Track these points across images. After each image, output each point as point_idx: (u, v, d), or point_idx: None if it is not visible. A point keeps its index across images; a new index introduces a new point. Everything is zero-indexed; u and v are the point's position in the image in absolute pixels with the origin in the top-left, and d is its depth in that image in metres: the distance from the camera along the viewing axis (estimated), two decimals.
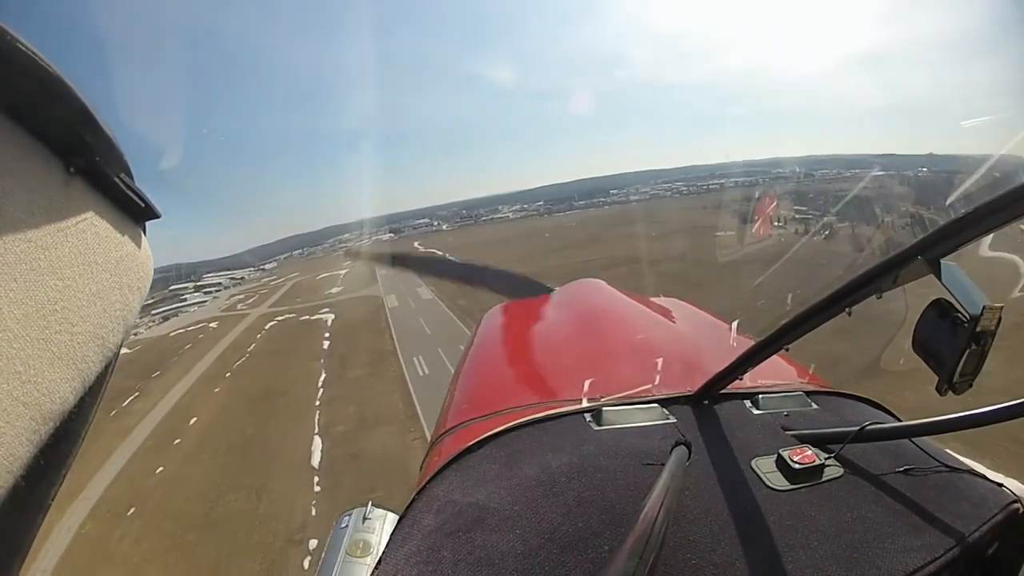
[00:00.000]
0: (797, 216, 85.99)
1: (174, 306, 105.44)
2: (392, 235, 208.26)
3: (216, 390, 45.60)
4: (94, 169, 1.08)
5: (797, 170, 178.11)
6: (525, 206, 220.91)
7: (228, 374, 50.08)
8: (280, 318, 78.19)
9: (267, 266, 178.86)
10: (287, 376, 45.06)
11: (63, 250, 0.97)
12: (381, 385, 38.25)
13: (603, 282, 5.57)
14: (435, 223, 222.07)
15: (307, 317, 73.79)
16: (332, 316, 70.49)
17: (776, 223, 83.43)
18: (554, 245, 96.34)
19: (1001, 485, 1.94)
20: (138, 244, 1.31)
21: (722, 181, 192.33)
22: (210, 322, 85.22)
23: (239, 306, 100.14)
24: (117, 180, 1.15)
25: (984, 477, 1.98)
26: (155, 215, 1.35)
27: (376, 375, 40.86)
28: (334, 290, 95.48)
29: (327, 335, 59.52)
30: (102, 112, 1.01)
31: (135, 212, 1.29)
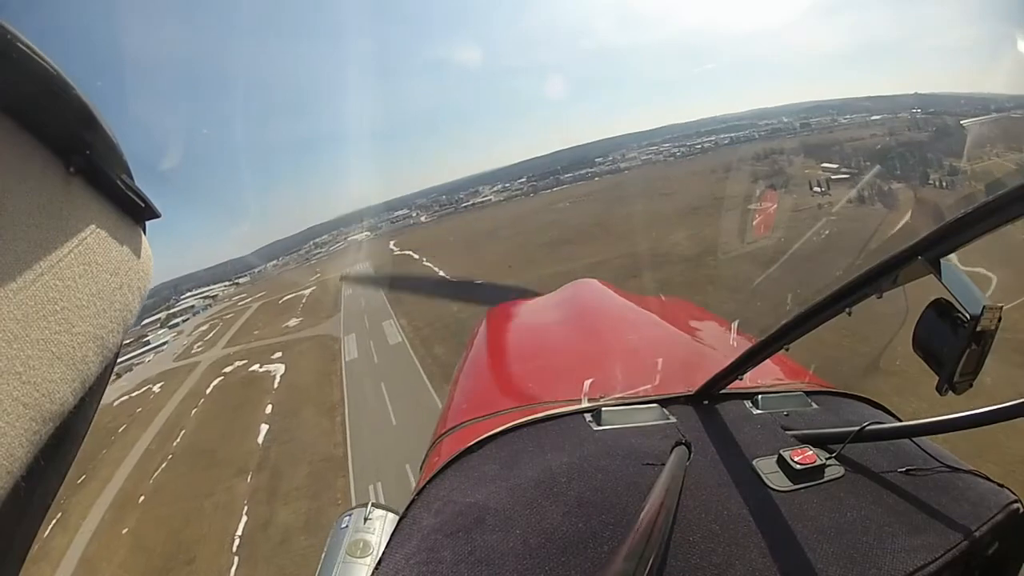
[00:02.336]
0: (836, 178, 73.35)
1: (133, 355, 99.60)
2: (368, 234, 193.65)
3: (124, 531, 34.78)
4: (94, 169, 1.08)
5: (785, 120, 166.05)
6: (507, 185, 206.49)
7: (142, 497, 38.77)
8: (228, 370, 67.01)
9: (241, 280, 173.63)
10: (201, 516, 33.47)
11: (63, 250, 0.98)
12: (320, 550, 24.93)
13: (603, 282, 5.61)
14: (414, 214, 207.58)
15: (256, 368, 62.81)
16: (282, 369, 58.72)
17: (817, 188, 70.49)
18: (549, 237, 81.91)
19: (1002, 485, 1.97)
20: (138, 244, 1.31)
21: (713, 139, 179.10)
22: (156, 383, 72.91)
23: (195, 347, 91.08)
24: (117, 180, 1.16)
25: (985, 477, 2.00)
26: (155, 215, 1.34)
27: (314, 523, 28.63)
28: (292, 322, 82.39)
29: (268, 410, 47.28)
30: (102, 112, 1.02)
31: (135, 212, 1.28)
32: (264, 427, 43.49)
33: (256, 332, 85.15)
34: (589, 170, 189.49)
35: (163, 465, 43.36)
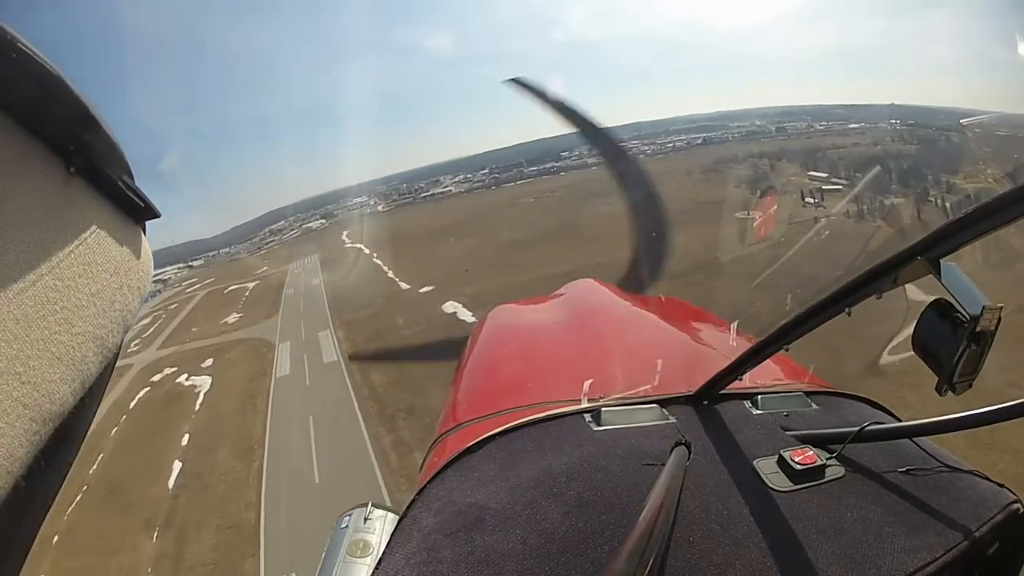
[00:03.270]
0: (827, 188, 68.73)
1: None
2: (323, 221, 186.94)
3: None
4: (94, 169, 1.09)
5: (759, 123, 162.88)
6: (469, 176, 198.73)
7: (56, 537, 33.62)
8: (156, 379, 59.76)
9: (195, 263, 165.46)
10: None
11: (63, 250, 0.99)
12: None
13: (602, 282, 5.62)
14: (372, 202, 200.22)
15: (182, 381, 56.08)
16: (208, 384, 52.01)
17: (811, 200, 65.86)
18: (512, 238, 75.51)
19: (1002, 485, 1.99)
20: (138, 244, 1.31)
21: (684, 139, 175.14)
22: None
23: (133, 345, 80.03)
24: (117, 180, 1.17)
25: (985, 477, 2.02)
26: (155, 215, 1.35)
27: None
28: (231, 319, 75.07)
29: (184, 441, 41.02)
30: (103, 112, 1.03)
31: (135, 212, 1.29)
32: (177, 466, 37.95)
33: (194, 329, 78.33)
34: (554, 164, 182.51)
35: (78, 497, 38.50)
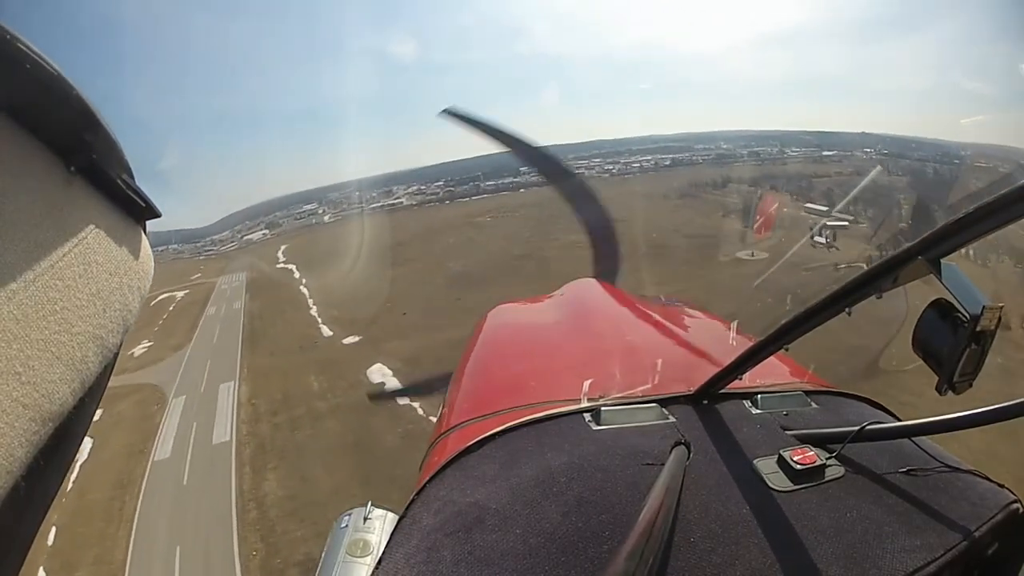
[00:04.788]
0: (833, 224, 60.21)
1: None
2: (266, 232, 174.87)
3: None
4: (95, 168, 1.10)
5: (725, 146, 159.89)
6: (422, 187, 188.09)
7: None
8: None
9: None
10: None
11: (63, 250, 0.99)
12: None
13: (602, 282, 5.61)
14: (320, 210, 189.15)
15: None
16: (87, 450, 38.75)
17: (821, 239, 57.05)
18: (463, 269, 65.59)
19: (1002, 485, 2.01)
20: (138, 244, 1.31)
21: (651, 159, 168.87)
22: None
23: None
24: (118, 179, 1.18)
25: (985, 477, 2.04)
26: (155, 214, 1.35)
27: None
28: (140, 349, 60.27)
29: (51, 539, 30.29)
30: (103, 111, 1.04)
31: (136, 212, 1.29)
32: None
33: None
34: (513, 179, 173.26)
35: None
